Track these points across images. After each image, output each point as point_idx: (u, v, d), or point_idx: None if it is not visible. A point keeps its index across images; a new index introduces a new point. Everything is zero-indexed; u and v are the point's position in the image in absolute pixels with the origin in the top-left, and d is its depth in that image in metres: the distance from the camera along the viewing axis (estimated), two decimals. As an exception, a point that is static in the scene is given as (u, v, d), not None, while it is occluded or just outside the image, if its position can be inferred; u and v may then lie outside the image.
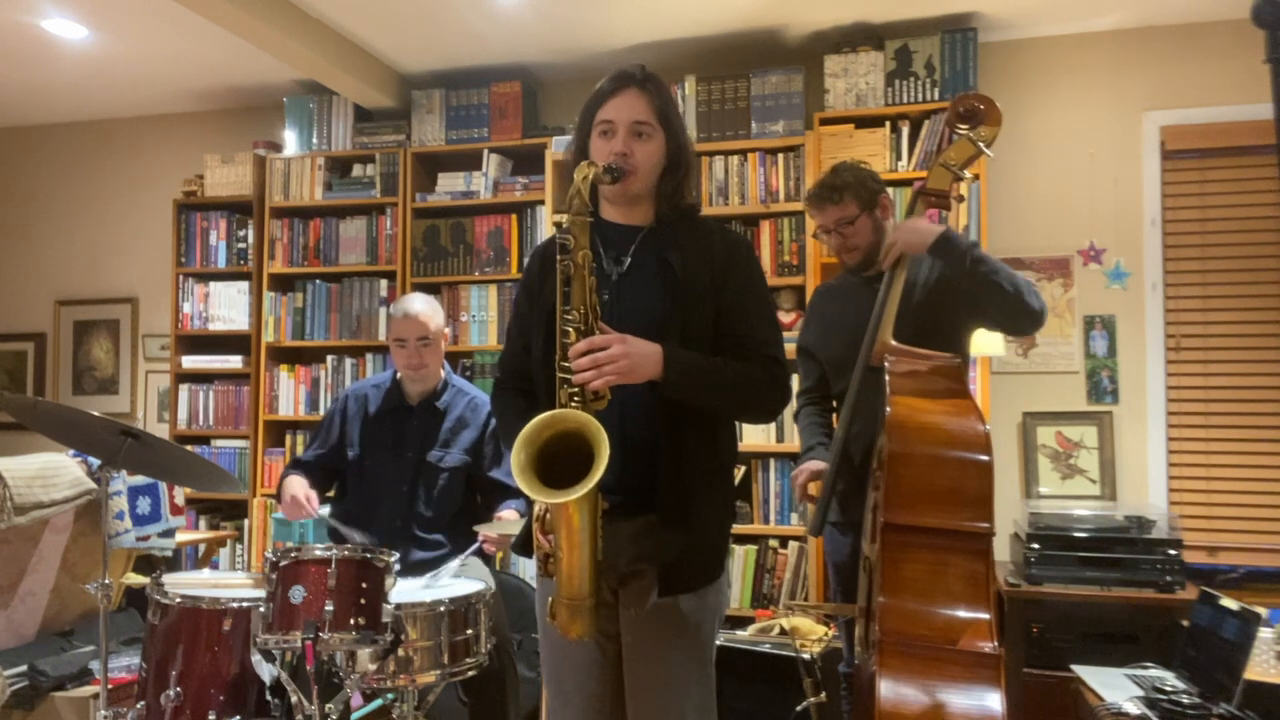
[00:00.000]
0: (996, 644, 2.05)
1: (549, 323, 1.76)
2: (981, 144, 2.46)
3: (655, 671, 1.79)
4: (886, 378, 2.33)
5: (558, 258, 1.70)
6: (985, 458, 2.18)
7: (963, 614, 2.09)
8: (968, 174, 2.52)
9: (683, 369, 1.74)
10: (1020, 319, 2.45)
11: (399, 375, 3.03)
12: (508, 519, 2.83)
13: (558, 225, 1.71)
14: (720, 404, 1.86)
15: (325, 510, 3.04)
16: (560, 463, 1.62)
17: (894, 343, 2.43)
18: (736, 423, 2.05)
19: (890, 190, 2.80)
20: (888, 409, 2.24)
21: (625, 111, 1.83)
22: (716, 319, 1.83)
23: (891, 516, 2.15)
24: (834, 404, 2.82)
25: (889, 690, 2.01)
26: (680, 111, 1.91)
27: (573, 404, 1.67)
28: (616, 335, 1.68)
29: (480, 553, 2.79)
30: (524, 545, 1.93)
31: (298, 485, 2.84)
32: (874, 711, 2.03)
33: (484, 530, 2.76)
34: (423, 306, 2.97)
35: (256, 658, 2.24)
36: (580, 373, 1.65)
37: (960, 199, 2.56)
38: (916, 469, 2.18)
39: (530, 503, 2.66)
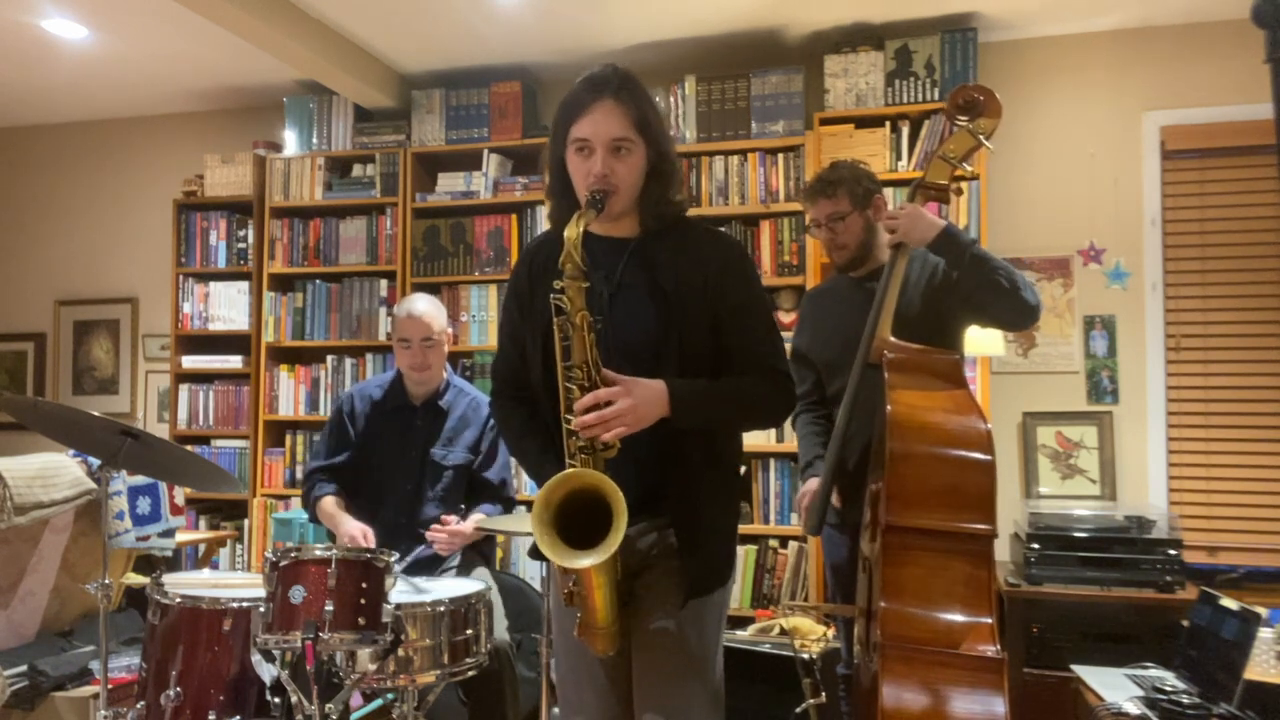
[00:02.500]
0: (999, 648, 2.05)
1: (545, 337, 1.74)
2: (981, 136, 2.45)
3: (663, 670, 1.79)
4: (885, 375, 2.33)
5: (554, 319, 1.67)
6: (987, 457, 2.17)
7: (965, 618, 2.08)
8: (968, 167, 2.50)
9: (688, 403, 1.72)
10: (1017, 315, 2.45)
11: (402, 375, 3.03)
12: (473, 521, 2.85)
13: (554, 288, 1.67)
14: (727, 423, 1.85)
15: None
16: (576, 512, 1.62)
17: (892, 339, 2.42)
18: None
19: (889, 191, 2.79)
20: (888, 407, 2.24)
21: (603, 128, 1.73)
22: (714, 330, 1.80)
23: (892, 518, 2.14)
24: (829, 407, 2.81)
25: (892, 696, 2.01)
26: (659, 112, 1.84)
27: (581, 455, 1.67)
28: (620, 386, 1.65)
29: (433, 551, 2.82)
30: (539, 551, 1.94)
31: (350, 522, 2.84)
32: (875, 715, 2.03)
33: (434, 531, 2.78)
34: (427, 307, 2.97)
35: (256, 658, 2.24)
36: (587, 429, 1.64)
37: (959, 193, 2.55)
38: (918, 468, 2.17)
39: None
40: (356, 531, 2.79)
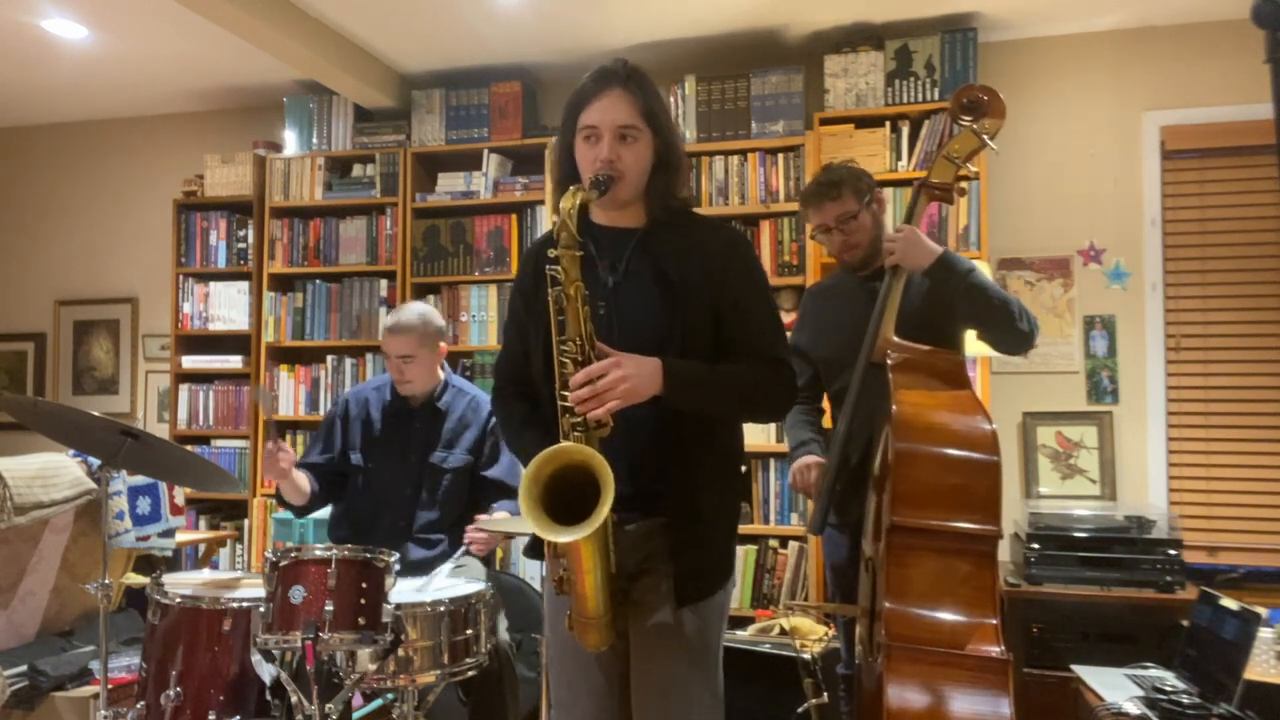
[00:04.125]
0: (1004, 649, 2.05)
1: (548, 332, 1.74)
2: (985, 136, 2.45)
3: (662, 673, 1.78)
4: (890, 375, 2.33)
5: (549, 290, 1.67)
6: (993, 458, 2.17)
7: (969, 618, 2.08)
8: (971, 167, 2.51)
9: (684, 381, 1.72)
10: (1009, 345, 2.49)
11: None
12: (497, 519, 2.84)
13: (548, 257, 1.67)
14: (725, 410, 1.85)
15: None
16: (567, 493, 1.62)
17: (896, 339, 2.42)
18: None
19: (889, 191, 2.79)
20: (893, 407, 2.24)
21: (610, 115, 1.76)
22: (717, 321, 1.80)
23: (898, 517, 2.14)
24: (825, 404, 2.81)
25: (897, 696, 2.01)
26: (666, 106, 1.85)
27: (575, 433, 1.66)
28: (613, 358, 1.65)
29: (469, 553, 2.80)
30: (534, 549, 1.93)
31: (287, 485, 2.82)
32: (881, 715, 2.03)
33: (471, 532, 2.76)
34: (410, 322, 2.91)
35: (256, 658, 2.24)
36: (581, 403, 1.63)
37: (962, 193, 2.55)
38: (924, 468, 2.17)
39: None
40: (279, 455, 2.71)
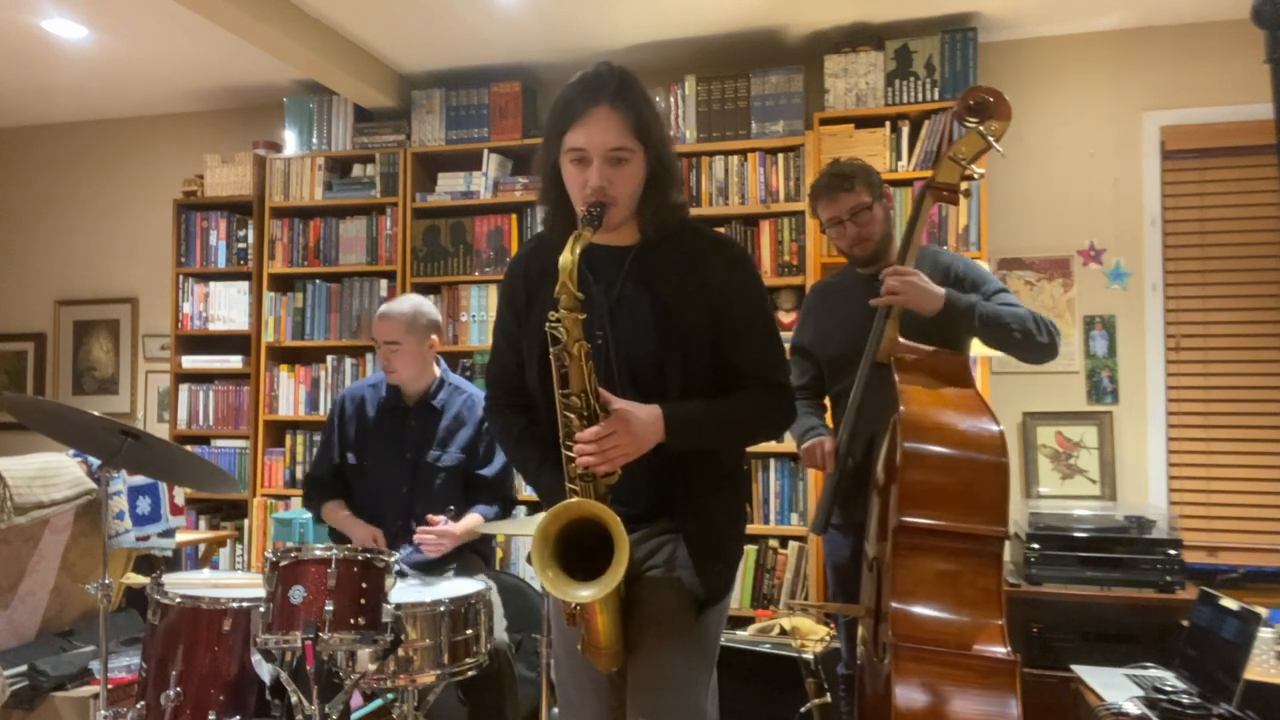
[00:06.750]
0: (1010, 649, 2.05)
1: (543, 350, 1.69)
2: (991, 138, 2.45)
3: (660, 672, 1.78)
4: (896, 375, 2.33)
5: (549, 349, 1.64)
6: (1001, 459, 2.18)
7: (976, 619, 2.09)
8: (976, 168, 2.51)
9: (685, 428, 1.70)
10: (1035, 359, 2.51)
11: None
12: (465, 524, 2.84)
13: (548, 319, 1.62)
14: (726, 444, 1.83)
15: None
16: (577, 539, 1.62)
17: (902, 339, 2.42)
18: None
19: (890, 190, 2.78)
20: (901, 407, 2.24)
21: (599, 138, 1.65)
22: (716, 342, 1.77)
23: (906, 517, 2.14)
24: (827, 401, 2.81)
25: (905, 696, 2.01)
26: (658, 112, 1.77)
27: (580, 481, 1.66)
28: (618, 415, 1.63)
29: (418, 551, 2.82)
30: None
31: (360, 529, 2.87)
32: (884, 715, 2.03)
33: (421, 534, 2.77)
34: (399, 309, 2.93)
35: (256, 658, 2.24)
36: (586, 456, 1.63)
37: (967, 194, 2.55)
38: (932, 469, 2.18)
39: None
40: (367, 537, 2.83)
